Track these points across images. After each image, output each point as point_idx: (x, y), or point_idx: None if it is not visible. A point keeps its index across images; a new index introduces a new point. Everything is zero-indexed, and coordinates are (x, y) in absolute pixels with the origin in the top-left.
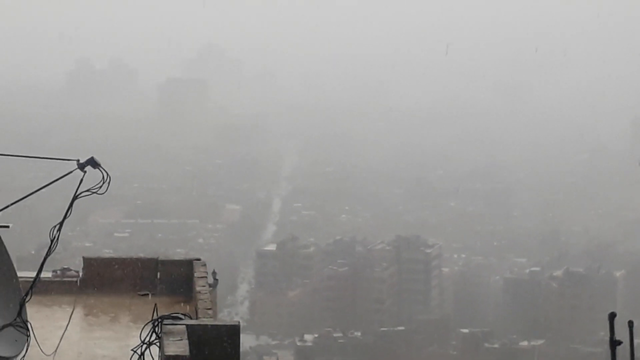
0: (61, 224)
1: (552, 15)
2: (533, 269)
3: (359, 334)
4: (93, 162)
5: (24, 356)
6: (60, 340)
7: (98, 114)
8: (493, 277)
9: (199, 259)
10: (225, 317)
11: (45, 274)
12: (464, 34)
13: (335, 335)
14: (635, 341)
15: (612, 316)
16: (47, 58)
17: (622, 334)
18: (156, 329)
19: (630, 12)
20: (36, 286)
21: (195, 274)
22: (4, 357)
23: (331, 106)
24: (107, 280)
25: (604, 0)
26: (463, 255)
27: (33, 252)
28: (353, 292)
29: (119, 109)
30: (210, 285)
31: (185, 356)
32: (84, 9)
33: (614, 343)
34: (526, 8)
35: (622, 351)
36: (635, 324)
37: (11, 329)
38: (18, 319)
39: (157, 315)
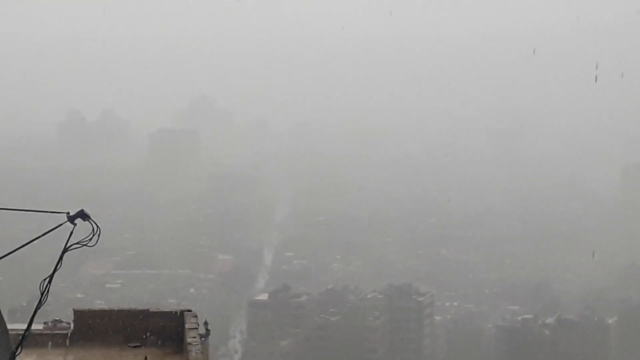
0: (51, 276)
1: (544, 63)
2: (525, 316)
3: None
4: (83, 215)
5: None
6: None
7: (89, 165)
8: (485, 325)
9: (189, 310)
10: None
11: (37, 326)
12: (457, 82)
13: None
14: None
15: None
16: (37, 110)
17: None
18: None
19: (622, 61)
20: (27, 339)
21: (186, 325)
22: None
23: (322, 155)
24: (97, 332)
25: (596, 49)
26: (455, 304)
27: (24, 304)
28: (345, 341)
29: (111, 160)
30: (201, 336)
31: None
32: (74, 61)
33: None
34: (518, 56)
35: None
36: None
37: None
38: None
39: None
